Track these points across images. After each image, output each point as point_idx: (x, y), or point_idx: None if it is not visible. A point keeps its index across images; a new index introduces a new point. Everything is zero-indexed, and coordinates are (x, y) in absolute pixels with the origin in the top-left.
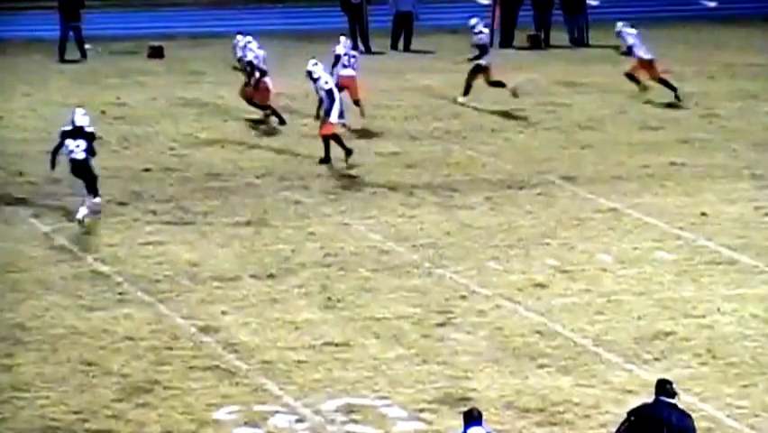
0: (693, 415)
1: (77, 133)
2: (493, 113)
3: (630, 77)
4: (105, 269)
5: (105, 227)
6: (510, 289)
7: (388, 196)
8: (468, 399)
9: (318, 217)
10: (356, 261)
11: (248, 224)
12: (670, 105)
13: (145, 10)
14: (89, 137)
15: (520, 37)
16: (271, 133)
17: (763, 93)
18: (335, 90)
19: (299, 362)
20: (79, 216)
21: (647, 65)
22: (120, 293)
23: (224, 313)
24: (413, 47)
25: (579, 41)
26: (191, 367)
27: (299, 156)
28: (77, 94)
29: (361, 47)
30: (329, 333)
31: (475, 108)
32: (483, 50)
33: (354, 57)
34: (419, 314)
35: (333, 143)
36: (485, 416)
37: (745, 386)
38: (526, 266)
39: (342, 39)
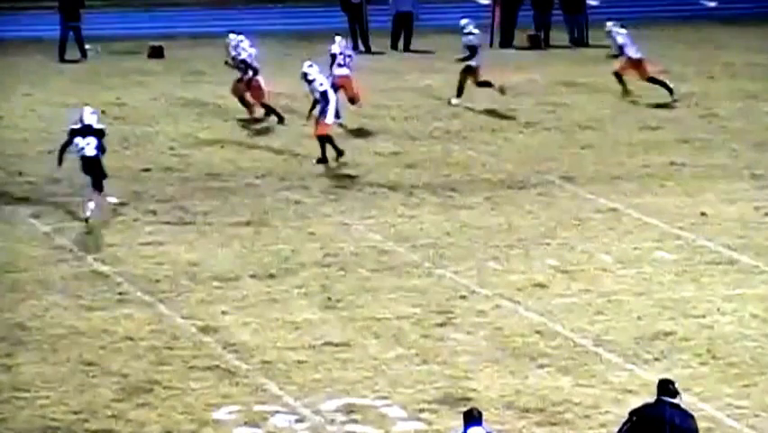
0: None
1: (87, 130)
2: (493, 113)
3: (618, 76)
4: (105, 269)
5: (105, 227)
6: (510, 289)
7: (388, 196)
8: (468, 399)
9: (318, 217)
10: (356, 261)
11: (248, 224)
12: (669, 106)
13: (145, 10)
14: (99, 134)
15: (520, 37)
16: (271, 133)
17: (763, 93)
18: (330, 91)
19: (299, 362)
20: (87, 213)
21: (637, 65)
22: (120, 293)
23: (224, 313)
24: (413, 47)
25: (579, 41)
26: (191, 367)
27: (299, 156)
28: (77, 94)
29: (361, 47)
30: (329, 333)
31: (471, 109)
32: (473, 51)
33: (350, 56)
34: (419, 314)
35: (320, 139)
36: (485, 416)
37: (745, 386)
38: (526, 266)
39: (338, 38)
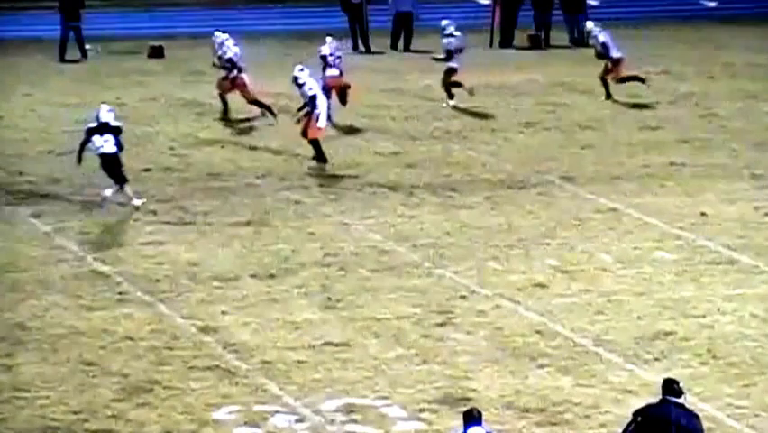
0: None
1: (104, 128)
2: (493, 113)
3: (604, 82)
4: (105, 269)
5: (106, 227)
6: (510, 289)
7: (388, 196)
8: (468, 399)
9: (318, 217)
10: (356, 261)
11: (248, 224)
12: (669, 105)
13: (145, 10)
14: (116, 131)
15: (520, 37)
16: (271, 133)
17: (763, 93)
18: (320, 96)
19: (299, 362)
20: (136, 202)
21: (617, 64)
22: (120, 293)
23: (223, 313)
24: (413, 47)
25: (579, 41)
26: (191, 367)
27: (299, 156)
28: (78, 94)
29: (361, 47)
30: (329, 333)
31: (471, 109)
32: (449, 54)
33: (339, 57)
34: (419, 314)
35: (313, 142)
36: (485, 416)
37: (745, 386)
38: (526, 266)
39: (329, 39)
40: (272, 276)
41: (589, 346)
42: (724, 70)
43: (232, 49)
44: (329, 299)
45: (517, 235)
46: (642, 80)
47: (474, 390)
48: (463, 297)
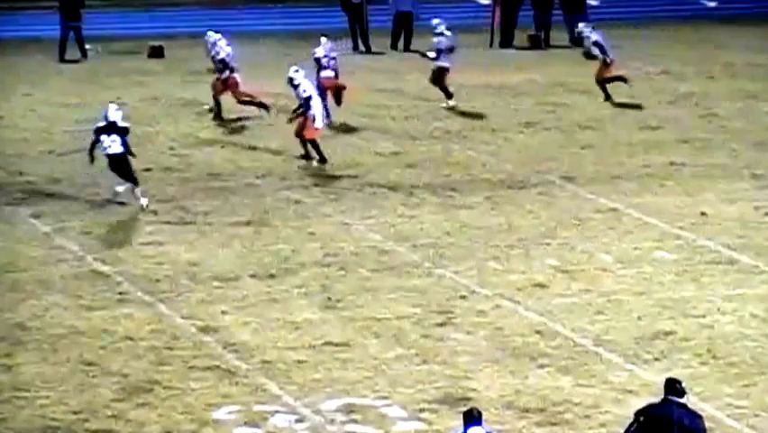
0: None
1: (111, 128)
2: (493, 113)
3: (601, 84)
4: (105, 269)
5: (106, 227)
6: (510, 289)
7: (388, 196)
8: (468, 399)
9: (318, 217)
10: (356, 261)
11: (248, 224)
12: (669, 105)
13: (145, 10)
14: (123, 132)
15: (520, 37)
16: (271, 133)
17: (763, 93)
18: (314, 97)
19: (299, 362)
20: (143, 201)
21: (609, 65)
22: (120, 293)
23: (223, 313)
24: (413, 47)
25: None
26: (191, 367)
27: (299, 156)
28: (78, 94)
29: (361, 47)
30: (329, 333)
31: (471, 109)
32: (438, 53)
33: (334, 58)
34: (419, 314)
35: (311, 143)
36: (485, 416)
37: (745, 386)
38: (526, 266)
39: (323, 39)
40: (272, 276)
41: (589, 346)
42: (724, 70)
43: (224, 49)
44: (329, 299)
45: (517, 235)
46: (624, 80)
47: (474, 390)
48: (463, 297)
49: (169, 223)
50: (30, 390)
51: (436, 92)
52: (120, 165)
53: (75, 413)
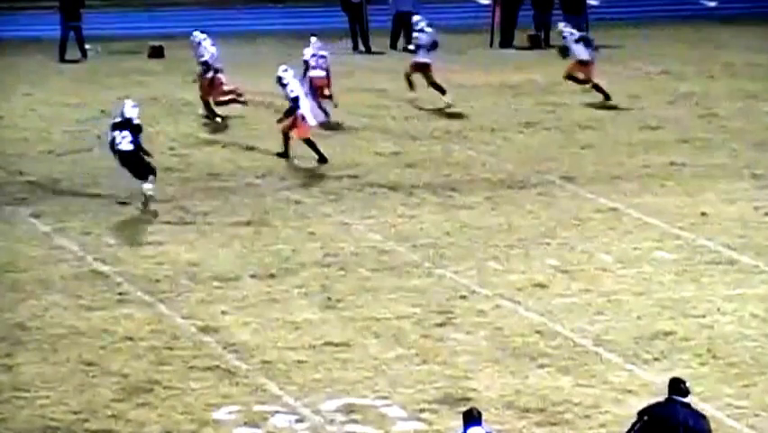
0: None
1: (125, 124)
2: (493, 113)
3: (596, 87)
4: (105, 269)
5: (106, 227)
6: (510, 289)
7: (388, 196)
8: (468, 399)
9: (318, 217)
10: (356, 261)
11: (248, 224)
12: (669, 106)
13: (145, 10)
14: (136, 129)
15: (520, 37)
16: (271, 133)
17: (763, 93)
18: (302, 97)
19: (299, 362)
20: (149, 192)
21: (584, 67)
22: (120, 293)
23: (223, 313)
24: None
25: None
26: (191, 367)
27: (299, 156)
28: (78, 94)
29: (361, 47)
30: (329, 333)
31: (471, 109)
32: (417, 48)
33: (323, 57)
34: (419, 314)
35: (307, 142)
36: (485, 416)
37: (745, 386)
38: (526, 266)
39: (313, 39)
40: (272, 276)
41: (589, 346)
42: (724, 70)
43: (209, 50)
44: (329, 299)
45: (517, 235)
46: (606, 96)
47: (474, 390)
48: (463, 297)
49: (169, 223)
50: (30, 390)
51: (436, 92)
52: (129, 161)
53: (75, 413)
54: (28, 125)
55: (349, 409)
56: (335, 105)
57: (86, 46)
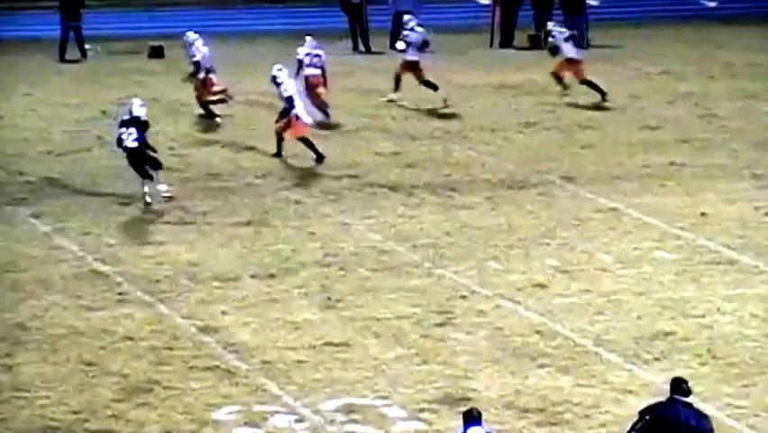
0: None
1: (132, 122)
2: (493, 113)
3: (592, 85)
4: (105, 269)
5: (106, 227)
6: (510, 289)
7: (388, 196)
8: (468, 399)
9: (318, 217)
10: (356, 261)
11: (248, 224)
12: (669, 106)
13: (145, 10)
14: (142, 126)
15: (520, 37)
16: (271, 133)
17: (763, 93)
18: (296, 97)
19: (299, 362)
20: (147, 199)
21: (573, 65)
22: (120, 293)
23: (223, 313)
24: None
25: (578, 42)
26: (191, 367)
27: (299, 156)
28: (78, 94)
29: (361, 47)
30: (329, 333)
31: (471, 109)
32: (407, 46)
33: (318, 56)
34: (419, 314)
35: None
36: (485, 416)
37: (745, 386)
38: (526, 266)
39: (308, 39)
40: (272, 276)
41: (589, 346)
42: (724, 70)
43: (201, 50)
44: (329, 299)
45: (517, 235)
46: (604, 98)
47: (474, 390)
48: (463, 297)
49: (169, 223)
50: (30, 390)
51: (439, 91)
52: (134, 158)
53: (75, 413)
54: (28, 125)
55: (349, 410)
56: (327, 108)
57: (86, 46)
